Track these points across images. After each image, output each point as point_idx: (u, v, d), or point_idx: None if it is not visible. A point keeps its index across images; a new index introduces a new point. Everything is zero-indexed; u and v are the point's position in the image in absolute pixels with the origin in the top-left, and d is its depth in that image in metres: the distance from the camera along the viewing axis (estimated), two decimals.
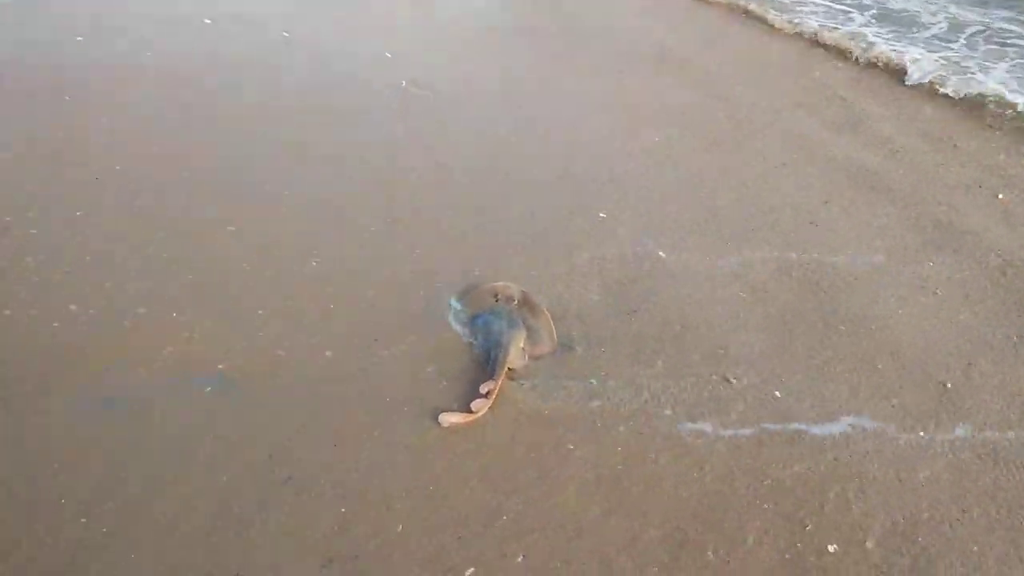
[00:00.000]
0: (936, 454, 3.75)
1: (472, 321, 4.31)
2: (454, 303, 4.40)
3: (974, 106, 8.12)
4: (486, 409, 3.70)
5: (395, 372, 3.92)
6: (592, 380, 3.99)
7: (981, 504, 3.52)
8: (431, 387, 3.85)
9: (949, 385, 4.19)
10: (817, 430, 3.85)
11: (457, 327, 4.28)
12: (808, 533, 3.31)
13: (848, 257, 5.34)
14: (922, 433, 3.86)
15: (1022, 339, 4.63)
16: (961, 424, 3.95)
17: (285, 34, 8.98)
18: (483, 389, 3.80)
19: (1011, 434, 3.91)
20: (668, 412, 3.85)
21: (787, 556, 3.21)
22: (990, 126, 7.74)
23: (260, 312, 4.19)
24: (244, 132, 6.37)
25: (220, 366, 3.83)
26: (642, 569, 3.09)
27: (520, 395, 3.87)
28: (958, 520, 3.44)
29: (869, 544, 3.30)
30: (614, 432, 3.70)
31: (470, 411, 3.67)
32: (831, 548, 3.27)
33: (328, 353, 3.99)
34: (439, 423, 3.61)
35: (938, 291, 5.04)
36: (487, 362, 4.02)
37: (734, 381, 4.09)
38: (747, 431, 3.79)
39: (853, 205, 6.06)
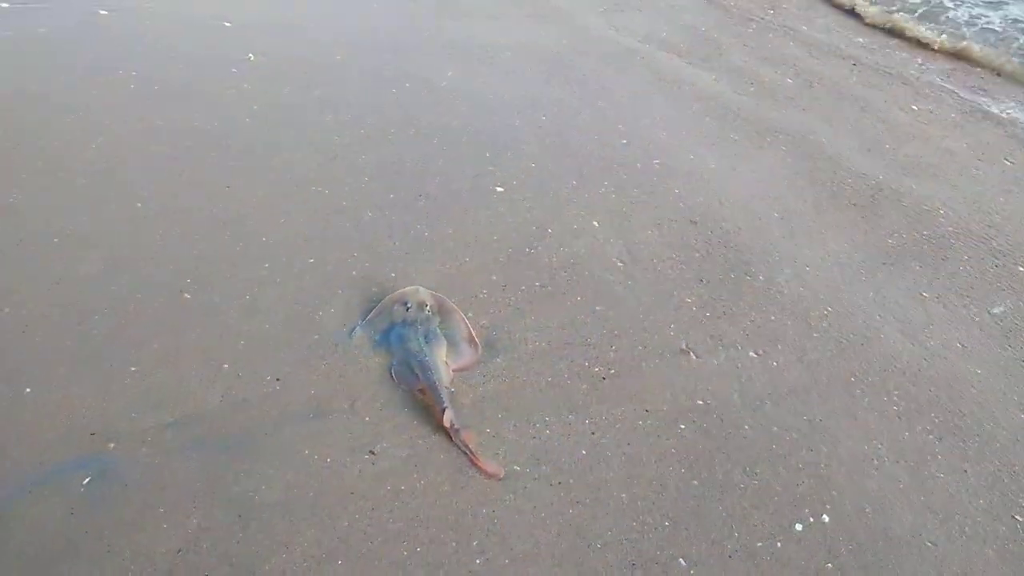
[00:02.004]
0: None
1: (384, 336, 3.79)
2: (359, 328, 3.83)
3: None
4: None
5: (311, 416, 3.36)
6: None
7: None
8: (355, 426, 3.34)
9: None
10: None
11: (369, 350, 3.74)
12: None
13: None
14: None
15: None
16: None
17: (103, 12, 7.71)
18: (447, 423, 3.34)
19: None
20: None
21: None
22: None
23: (133, 368, 3.47)
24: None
25: (94, 444, 3.13)
26: None
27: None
28: None
29: None
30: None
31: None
32: None
33: (219, 403, 3.36)
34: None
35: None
36: (409, 380, 3.54)
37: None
38: None
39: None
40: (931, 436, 3.71)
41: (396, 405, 3.47)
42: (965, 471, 3.56)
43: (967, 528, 3.30)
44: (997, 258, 5.05)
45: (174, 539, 2.82)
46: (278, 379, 3.49)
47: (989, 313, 4.55)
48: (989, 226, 5.33)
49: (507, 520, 3.06)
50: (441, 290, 4.15)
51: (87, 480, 2.97)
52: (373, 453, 3.23)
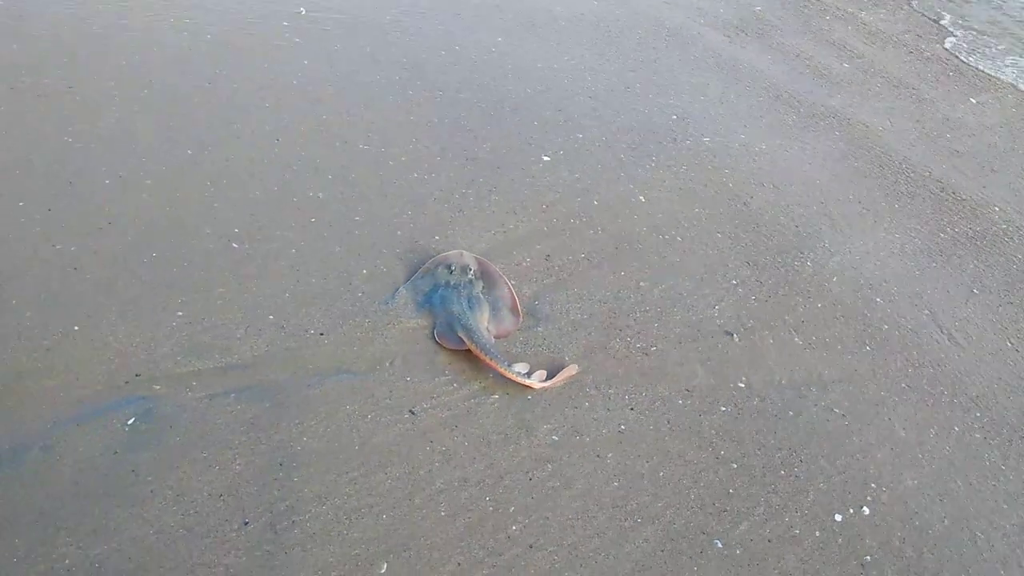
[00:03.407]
0: None
1: (427, 298, 3.75)
2: (403, 288, 3.79)
3: None
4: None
5: (352, 372, 3.34)
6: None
7: None
8: (396, 384, 3.31)
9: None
10: None
11: (412, 311, 3.70)
12: None
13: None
14: None
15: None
16: None
17: None
18: (538, 385, 3.39)
19: None
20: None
21: None
22: None
23: (180, 314, 3.47)
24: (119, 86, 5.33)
25: (139, 386, 3.13)
26: None
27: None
28: None
29: None
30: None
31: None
32: None
33: (264, 353, 3.34)
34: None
35: None
36: (453, 340, 3.51)
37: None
38: None
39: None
40: (976, 435, 3.62)
41: (437, 367, 3.44)
42: (1003, 469, 3.48)
43: (1008, 527, 3.22)
44: None
45: (216, 483, 2.82)
46: (322, 334, 3.47)
47: None
48: None
49: (547, 488, 3.03)
50: (486, 255, 4.09)
51: (131, 420, 2.97)
52: (413, 413, 3.21)
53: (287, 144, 4.65)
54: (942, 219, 5.17)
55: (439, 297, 3.71)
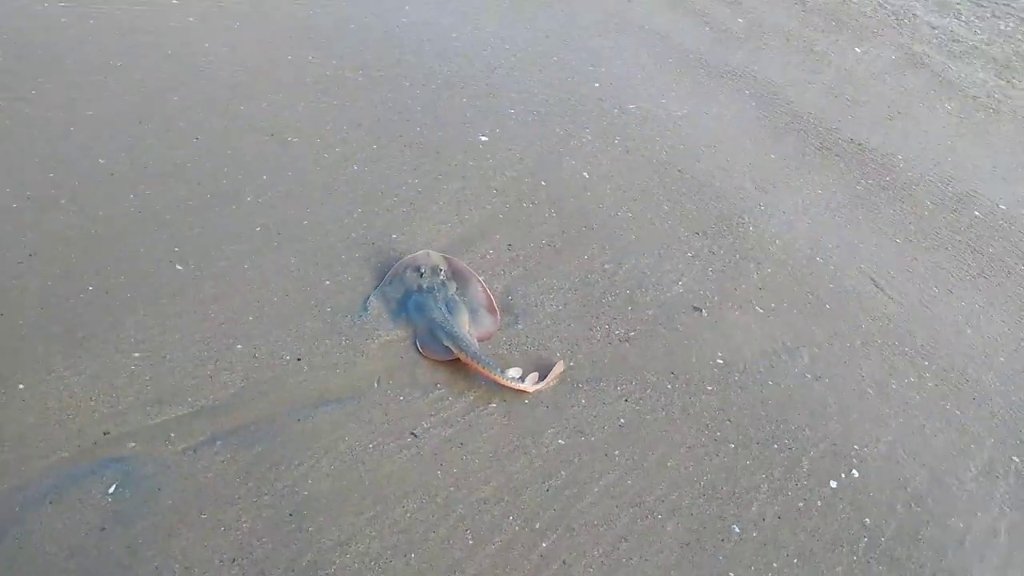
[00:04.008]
0: None
1: (401, 306, 3.49)
2: (373, 297, 3.50)
3: None
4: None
5: (341, 399, 3.06)
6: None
7: None
8: (390, 406, 3.07)
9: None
10: None
11: (388, 322, 3.43)
12: None
13: None
14: None
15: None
16: None
17: None
18: (532, 389, 3.23)
19: None
20: None
21: None
22: None
23: (136, 355, 3.05)
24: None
25: (110, 446, 2.74)
26: None
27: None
28: None
29: None
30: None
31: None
32: None
33: (241, 388, 3.01)
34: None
35: None
36: (438, 351, 3.28)
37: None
38: None
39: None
40: (929, 383, 3.79)
41: (426, 381, 3.21)
42: (957, 414, 3.67)
43: (974, 470, 3.40)
44: (960, 203, 5.17)
45: (225, 547, 2.52)
46: (299, 359, 3.16)
47: (966, 260, 4.68)
48: (947, 172, 5.46)
49: (566, 497, 2.91)
50: (447, 250, 3.86)
51: (112, 488, 2.59)
52: (415, 435, 2.99)
53: (209, 143, 4.17)
54: (855, 172, 5.33)
55: (414, 304, 3.46)
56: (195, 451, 2.74)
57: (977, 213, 5.14)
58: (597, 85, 5.59)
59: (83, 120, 4.12)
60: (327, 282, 3.53)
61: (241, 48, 5.00)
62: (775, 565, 2.86)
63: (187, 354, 3.05)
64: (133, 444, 2.72)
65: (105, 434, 2.74)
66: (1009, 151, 5.86)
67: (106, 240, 3.44)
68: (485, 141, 4.72)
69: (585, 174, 4.65)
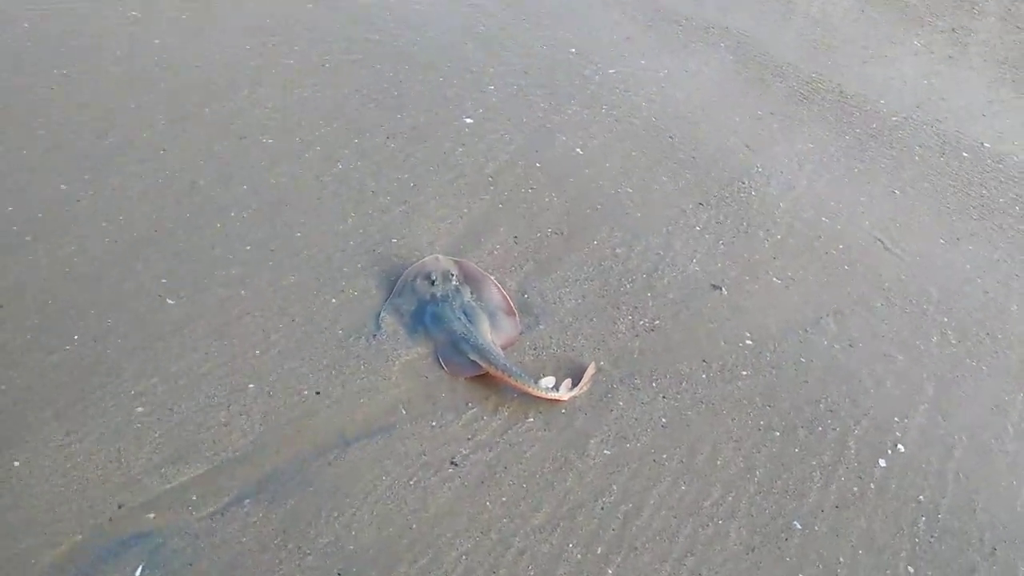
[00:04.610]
0: None
1: (416, 319, 3.19)
2: (384, 313, 3.19)
3: None
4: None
5: (370, 432, 2.77)
6: None
7: None
8: (423, 434, 2.79)
9: None
10: None
11: (406, 339, 3.13)
12: None
13: None
14: None
15: None
16: None
17: None
18: (566, 397, 2.96)
19: None
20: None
21: None
22: None
23: (140, 409, 2.70)
24: None
25: (128, 521, 2.42)
26: None
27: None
28: None
29: None
30: None
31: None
32: None
33: (261, 434, 2.69)
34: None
35: None
36: (464, 366, 3.01)
37: None
38: None
39: None
40: (952, 340, 3.65)
41: (455, 401, 2.94)
42: (983, 371, 3.54)
43: (1011, 430, 3.29)
44: (947, 145, 5.02)
45: None
46: (317, 392, 2.85)
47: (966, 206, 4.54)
48: (929, 114, 5.30)
49: (622, 514, 2.69)
50: (453, 251, 3.55)
51: (139, 570, 2.28)
52: (455, 464, 2.73)
53: (178, 152, 3.75)
54: (842, 122, 5.13)
55: (430, 315, 3.16)
56: (223, 514, 2.44)
57: (965, 155, 5.00)
58: (574, 51, 5.25)
59: (34, 143, 3.65)
60: (333, 300, 3.20)
61: (194, 42, 4.52)
62: (842, 559, 2.71)
63: (196, 402, 2.71)
64: (152, 515, 2.40)
65: (120, 507, 2.41)
66: (983, 86, 5.73)
67: (83, 280, 3.04)
68: (471, 123, 4.37)
69: (579, 150, 4.35)
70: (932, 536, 2.84)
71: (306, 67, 4.50)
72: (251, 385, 2.80)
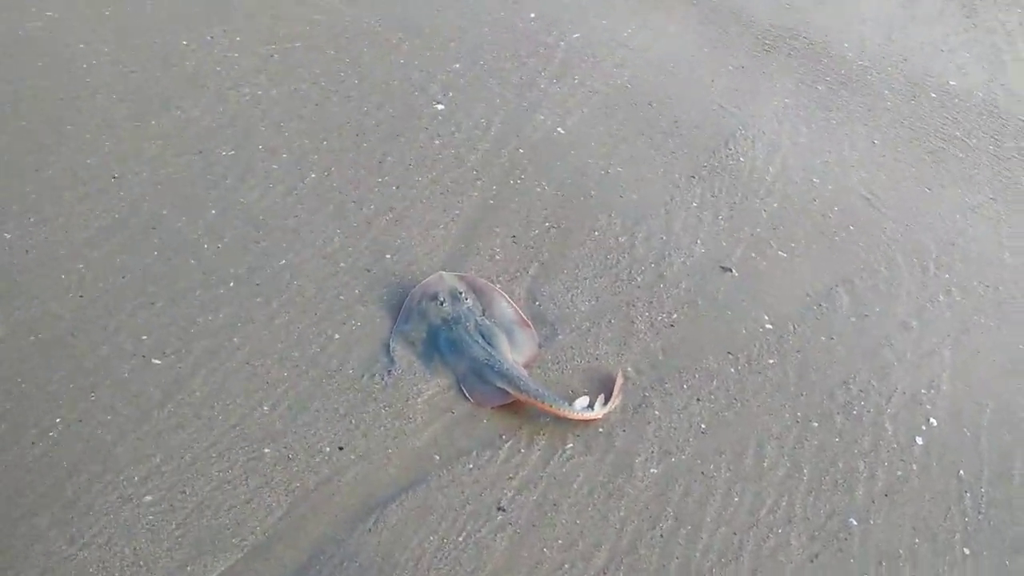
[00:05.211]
0: None
1: (431, 347, 2.91)
2: (394, 344, 2.89)
3: None
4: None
5: (405, 486, 2.52)
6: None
7: None
8: (463, 480, 2.55)
9: None
10: None
11: (423, 371, 2.85)
12: None
13: None
14: None
15: None
16: None
17: None
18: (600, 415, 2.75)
19: None
20: None
21: None
22: None
23: (148, 498, 2.37)
24: None
25: None
26: None
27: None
28: None
29: None
30: None
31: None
32: None
33: (289, 508, 2.41)
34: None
35: None
36: (491, 396, 2.77)
37: None
38: None
39: None
40: (958, 298, 3.58)
41: (487, 436, 2.70)
42: (999, 329, 3.48)
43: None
44: (915, 87, 4.91)
45: None
46: (340, 447, 2.56)
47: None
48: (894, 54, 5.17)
49: (683, 539, 2.53)
50: (451, 261, 3.26)
51: None
52: (503, 510, 2.51)
53: (132, 178, 3.30)
54: (811, 71, 4.96)
55: (445, 342, 2.89)
56: None
57: (933, 95, 4.90)
58: (533, 15, 4.88)
59: None
60: (336, 336, 2.88)
61: (124, 42, 3.97)
62: (900, 551, 2.63)
63: (209, 479, 2.40)
64: None
65: None
66: (937, 19, 5.62)
67: (53, 348, 2.64)
68: (442, 109, 4.01)
69: (560, 130, 4.06)
70: (979, 512, 2.79)
71: (252, 61, 4.03)
72: (266, 450, 2.50)
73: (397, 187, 3.50)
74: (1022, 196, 4.20)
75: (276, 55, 4.07)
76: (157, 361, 2.65)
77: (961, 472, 2.90)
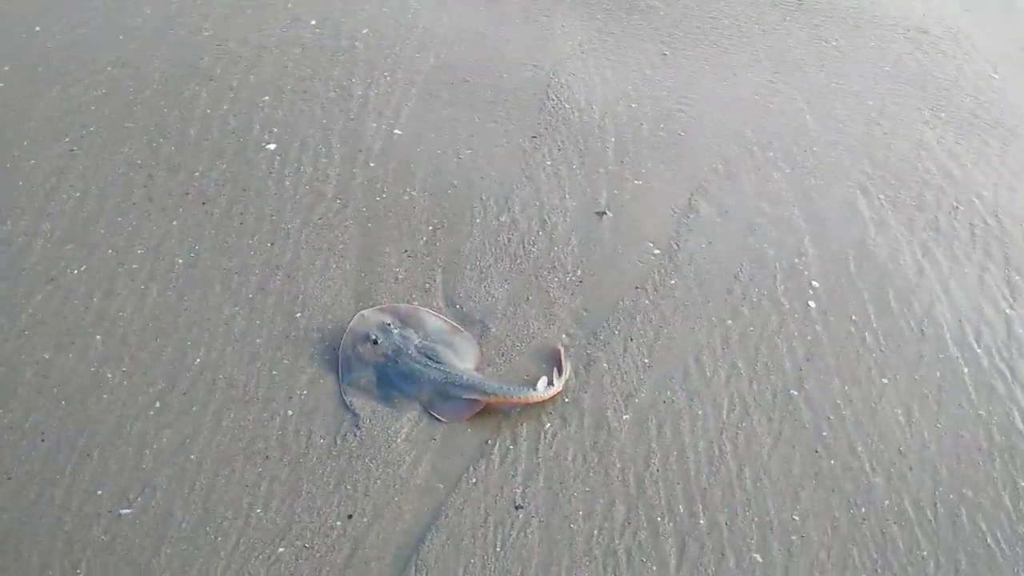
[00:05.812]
0: None
1: (387, 387, 2.92)
2: (348, 396, 2.87)
3: None
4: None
5: (427, 526, 2.57)
6: None
7: None
8: (474, 497, 2.64)
9: None
10: None
11: (389, 411, 2.86)
12: None
13: None
14: None
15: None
16: None
17: None
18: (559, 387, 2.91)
19: None
20: None
21: None
22: None
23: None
24: None
25: None
26: None
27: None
28: None
29: None
30: None
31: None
32: None
33: None
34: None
35: None
36: (460, 409, 2.86)
37: None
38: None
39: None
40: (793, 177, 4.09)
41: (474, 447, 2.79)
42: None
43: None
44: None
45: None
46: (349, 515, 2.55)
47: None
48: None
49: (676, 463, 2.79)
50: (364, 297, 3.26)
51: None
52: (520, 507, 2.63)
53: None
54: (586, 4, 5.25)
55: (397, 376, 2.92)
56: None
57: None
58: (315, 22, 4.76)
59: None
60: (289, 412, 2.81)
61: None
62: (838, 401, 3.06)
63: None
64: None
65: None
66: None
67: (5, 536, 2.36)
68: (275, 148, 3.86)
69: (397, 131, 4.07)
70: (881, 346, 3.26)
71: (51, 163, 3.63)
72: (280, 549, 2.44)
73: (271, 243, 3.38)
74: (794, 62, 4.79)
75: (76, 148, 3.69)
76: (126, 511, 2.46)
77: (853, 317, 3.38)
